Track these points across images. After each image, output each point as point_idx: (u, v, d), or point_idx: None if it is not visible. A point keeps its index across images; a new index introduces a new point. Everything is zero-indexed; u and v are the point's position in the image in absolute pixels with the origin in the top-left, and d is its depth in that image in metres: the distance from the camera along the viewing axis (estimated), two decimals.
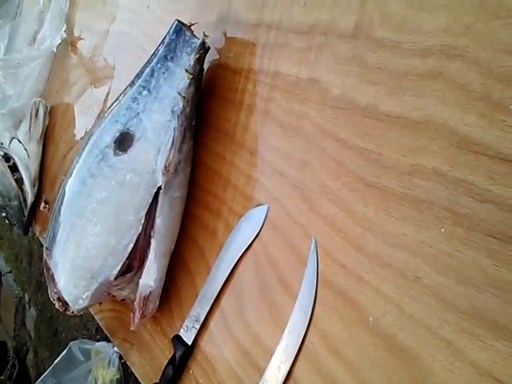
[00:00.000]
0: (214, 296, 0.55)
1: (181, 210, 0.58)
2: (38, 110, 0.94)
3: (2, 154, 0.96)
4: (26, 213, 0.98)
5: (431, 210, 0.36)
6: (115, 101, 0.57)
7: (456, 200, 0.35)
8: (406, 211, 0.38)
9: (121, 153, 0.54)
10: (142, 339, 0.67)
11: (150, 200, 0.54)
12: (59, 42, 0.89)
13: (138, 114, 0.54)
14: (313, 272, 0.44)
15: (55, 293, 0.63)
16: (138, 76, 0.56)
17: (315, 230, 0.44)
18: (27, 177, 0.95)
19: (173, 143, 0.53)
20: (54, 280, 0.62)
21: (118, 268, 0.56)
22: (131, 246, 0.55)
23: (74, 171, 0.58)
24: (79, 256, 0.57)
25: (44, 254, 0.63)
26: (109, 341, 1.91)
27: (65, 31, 0.88)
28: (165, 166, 0.53)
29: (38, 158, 0.95)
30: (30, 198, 0.96)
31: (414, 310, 0.37)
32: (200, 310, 0.56)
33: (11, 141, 0.94)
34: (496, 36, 0.33)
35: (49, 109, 0.96)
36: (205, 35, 0.52)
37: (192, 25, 0.55)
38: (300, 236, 0.46)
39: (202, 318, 0.56)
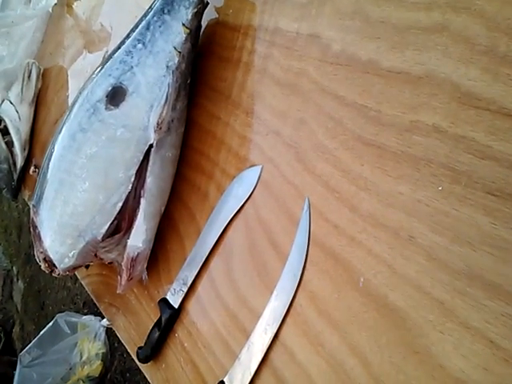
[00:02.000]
0: (203, 259, 0.54)
1: (172, 171, 0.56)
2: (30, 72, 0.92)
3: None
4: (16, 176, 0.96)
5: (429, 167, 0.35)
6: (109, 54, 0.56)
7: (455, 157, 0.34)
8: (403, 169, 0.37)
9: (112, 107, 0.52)
10: (129, 303, 0.66)
11: (141, 158, 0.53)
12: (55, 2, 0.87)
13: (132, 67, 0.52)
14: (304, 233, 0.43)
15: (41, 252, 0.62)
16: (133, 29, 0.54)
17: (309, 190, 0.43)
18: (17, 139, 0.93)
19: (166, 99, 0.51)
20: (40, 238, 0.60)
21: (106, 227, 0.55)
22: (120, 204, 0.54)
23: (64, 126, 0.56)
24: (66, 213, 0.55)
25: (31, 212, 0.62)
26: (96, 315, 1.91)
27: None
28: (157, 123, 0.52)
29: (29, 121, 0.93)
30: (19, 162, 0.94)
31: (406, 270, 0.36)
32: (188, 273, 0.55)
33: (2, 102, 0.92)
34: None
35: (42, 71, 0.94)
36: None
37: None
38: (293, 197, 0.45)
39: (190, 281, 0.55)
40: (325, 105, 0.43)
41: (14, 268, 2.85)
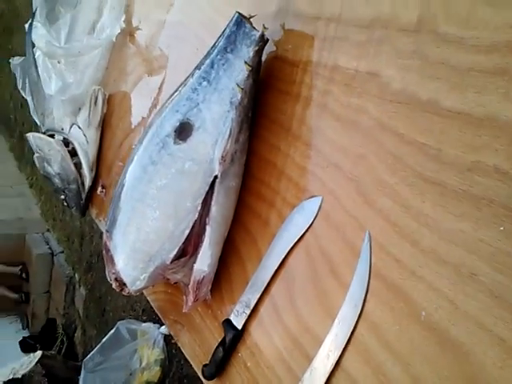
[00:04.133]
0: (265, 283, 0.56)
1: (235, 199, 0.59)
2: (96, 98, 0.98)
3: (62, 138, 1.00)
4: (84, 196, 1.01)
5: (490, 207, 0.36)
6: (175, 91, 0.59)
7: None
8: (464, 208, 0.38)
9: (180, 142, 0.56)
10: (193, 321, 0.69)
11: (207, 188, 0.56)
12: (118, 31, 0.92)
13: (198, 104, 0.56)
14: (365, 265, 0.45)
15: (113, 273, 0.66)
16: (198, 67, 0.58)
17: (369, 223, 0.45)
18: (85, 162, 0.99)
19: (230, 133, 0.54)
20: (113, 261, 0.65)
21: (175, 252, 0.59)
22: (187, 231, 0.57)
23: (135, 158, 0.60)
24: (139, 239, 0.60)
25: (104, 237, 0.66)
26: (155, 322, 1.98)
27: (124, 21, 0.91)
28: (222, 156, 0.55)
29: (96, 144, 0.99)
30: (87, 182, 1.00)
31: (468, 307, 0.37)
32: (251, 296, 0.58)
33: (71, 127, 0.98)
34: None
35: (107, 97, 0.99)
36: (264, 28, 0.53)
37: (251, 17, 0.56)
38: (354, 229, 0.46)
39: (253, 304, 0.58)
40: (385, 141, 0.44)
41: (76, 275, 2.99)
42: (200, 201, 0.56)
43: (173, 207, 0.57)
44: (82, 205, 1.03)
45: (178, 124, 0.56)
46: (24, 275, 3.66)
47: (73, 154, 1.01)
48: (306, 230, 0.52)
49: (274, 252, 0.56)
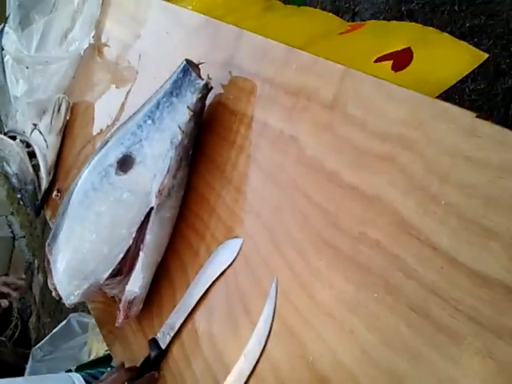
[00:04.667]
0: (189, 309, 0.61)
1: (170, 228, 0.64)
2: (60, 105, 1.01)
3: (23, 141, 1.03)
4: (40, 197, 1.05)
5: (370, 275, 0.41)
6: (123, 123, 0.63)
7: (389, 272, 0.40)
8: (351, 271, 0.43)
9: (121, 173, 0.60)
10: (125, 335, 0.74)
11: (142, 218, 0.60)
12: (87, 45, 0.95)
13: (141, 140, 0.60)
14: (271, 307, 0.50)
15: (52, 284, 0.70)
16: (145, 104, 0.62)
17: (278, 270, 0.50)
18: (44, 165, 1.02)
19: (168, 170, 0.59)
20: (51, 273, 0.69)
21: (108, 273, 0.63)
22: (121, 255, 0.62)
23: (79, 182, 0.64)
24: (75, 258, 0.64)
25: (46, 249, 0.70)
26: None
27: (93, 37, 0.94)
28: (159, 190, 0.59)
29: (55, 149, 1.02)
30: (44, 185, 1.04)
31: (345, 358, 0.42)
32: (176, 319, 0.62)
33: (33, 131, 1.01)
34: (441, 137, 0.38)
35: (71, 105, 1.03)
36: (209, 78, 0.58)
37: (200, 63, 0.61)
38: (265, 273, 0.51)
39: (177, 327, 0.62)
40: (297, 199, 0.49)
41: (35, 261, 2.98)
42: (135, 229, 0.61)
43: (109, 233, 0.61)
44: (37, 205, 1.07)
45: (120, 156, 0.60)
46: None
47: (31, 155, 1.04)
48: (228, 267, 0.57)
49: (200, 282, 0.60)
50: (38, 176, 1.04)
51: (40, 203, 1.06)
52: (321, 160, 0.47)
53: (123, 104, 0.91)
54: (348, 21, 1.26)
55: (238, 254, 0.56)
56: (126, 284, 0.65)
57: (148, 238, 0.62)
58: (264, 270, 0.52)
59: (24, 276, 3.08)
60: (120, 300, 0.68)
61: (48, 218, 1.08)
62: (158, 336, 0.64)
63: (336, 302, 0.44)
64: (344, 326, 0.43)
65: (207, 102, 0.62)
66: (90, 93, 1.02)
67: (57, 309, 2.67)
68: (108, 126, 0.94)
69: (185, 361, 0.61)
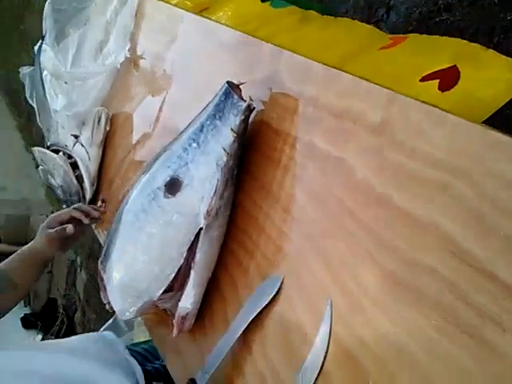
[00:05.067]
0: (228, 349, 0.61)
1: (218, 246, 0.65)
2: (100, 118, 1.03)
3: (66, 154, 1.06)
4: None
5: (426, 301, 0.42)
6: (169, 144, 0.65)
7: (446, 299, 0.40)
8: (406, 297, 0.44)
9: (170, 196, 0.62)
10: (178, 345, 0.76)
11: (192, 238, 0.62)
12: (123, 59, 0.97)
13: (187, 163, 0.61)
14: (326, 329, 0.51)
15: (106, 299, 0.73)
16: (189, 126, 0.63)
17: (332, 292, 0.51)
18: (87, 176, 1.05)
19: (215, 192, 0.60)
20: (105, 290, 0.71)
21: (161, 291, 0.65)
22: (173, 275, 0.64)
23: (129, 202, 0.66)
24: (128, 276, 0.66)
25: (99, 266, 0.73)
26: None
27: (128, 50, 0.96)
28: (207, 211, 0.61)
29: (97, 161, 1.05)
30: (88, 195, 1.07)
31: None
32: (214, 360, 0.62)
33: (75, 144, 1.04)
34: (494, 166, 0.38)
35: (110, 116, 1.05)
36: (251, 99, 0.59)
37: (241, 84, 0.61)
38: (318, 294, 0.52)
39: (214, 369, 0.62)
40: (346, 221, 0.50)
41: (78, 259, 3.07)
42: (185, 249, 0.62)
43: (160, 254, 0.63)
44: None
45: (168, 179, 0.62)
46: None
47: (74, 166, 1.07)
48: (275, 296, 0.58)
49: (240, 319, 0.61)
50: (81, 187, 1.07)
51: None
52: (371, 183, 0.48)
53: (159, 112, 0.93)
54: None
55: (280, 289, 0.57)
56: (178, 299, 0.67)
57: (198, 256, 0.63)
58: (317, 291, 0.53)
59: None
60: (172, 314, 0.70)
61: (93, 227, 1.11)
62: (197, 376, 0.65)
63: (392, 326, 0.45)
64: (402, 350, 0.44)
65: (250, 121, 0.62)
66: (127, 104, 1.05)
67: (102, 307, 2.74)
68: (146, 135, 0.96)
69: None
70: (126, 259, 0.66)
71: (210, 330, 0.69)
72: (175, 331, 0.68)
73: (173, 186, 0.62)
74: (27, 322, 3.23)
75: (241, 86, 0.61)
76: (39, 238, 0.89)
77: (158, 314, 0.83)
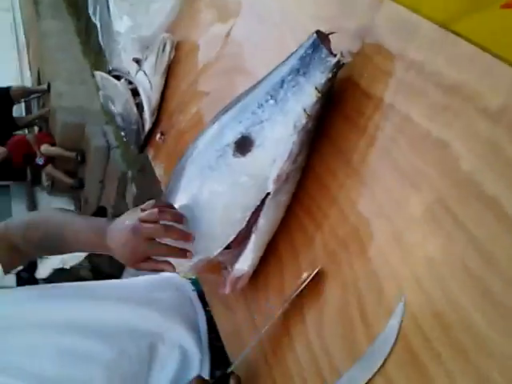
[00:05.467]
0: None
1: (283, 212, 0.61)
2: (165, 45, 0.97)
3: (128, 81, 1.01)
4: (143, 136, 1.04)
5: None
6: (241, 95, 0.59)
7: None
8: (498, 317, 0.38)
9: (239, 155, 0.57)
10: (228, 299, 0.74)
11: (258, 203, 0.58)
12: None
13: (262, 121, 0.56)
14: (395, 327, 0.47)
15: None
16: (267, 78, 0.57)
17: (408, 288, 0.46)
18: (148, 107, 1.00)
19: (289, 156, 0.55)
20: None
21: (218, 251, 0.62)
22: (232, 237, 0.60)
23: (195, 153, 0.62)
24: None
25: None
26: None
27: None
28: (277, 176, 0.56)
29: (159, 91, 1.00)
30: (147, 125, 1.02)
31: None
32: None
33: (137, 72, 0.99)
34: None
35: (175, 43, 0.99)
36: (342, 55, 0.52)
37: (331, 33, 0.54)
38: (392, 287, 0.48)
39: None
40: (441, 216, 0.44)
41: (129, 172, 3.12)
42: (249, 213, 0.58)
43: (222, 214, 0.60)
44: (140, 144, 1.07)
45: (239, 136, 0.57)
46: (79, 158, 3.83)
47: (135, 93, 1.03)
48: None
49: None
50: (141, 116, 1.03)
51: (143, 142, 1.06)
52: (479, 180, 0.41)
53: (226, 44, 0.86)
54: None
55: None
56: (235, 256, 0.64)
57: (261, 221, 0.59)
58: (391, 283, 0.48)
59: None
60: (226, 268, 0.67)
61: (151, 157, 1.08)
62: None
63: (473, 344, 0.40)
64: (480, 371, 0.39)
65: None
66: (194, 31, 0.98)
67: None
68: (212, 67, 0.89)
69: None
70: (186, 214, 0.63)
71: (263, 293, 0.67)
72: (228, 289, 0.66)
73: (243, 145, 0.57)
74: None
75: (330, 36, 0.54)
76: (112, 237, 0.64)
77: (211, 263, 0.81)
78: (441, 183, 0.44)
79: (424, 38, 0.47)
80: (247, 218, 0.59)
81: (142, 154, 1.14)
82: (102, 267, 2.17)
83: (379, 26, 0.52)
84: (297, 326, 0.59)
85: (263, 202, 0.58)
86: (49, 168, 3.97)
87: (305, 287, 0.57)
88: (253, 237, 0.60)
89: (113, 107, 1.05)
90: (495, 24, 0.44)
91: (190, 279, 0.91)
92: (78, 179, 3.96)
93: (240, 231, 0.60)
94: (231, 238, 0.61)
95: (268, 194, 0.57)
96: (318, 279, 0.56)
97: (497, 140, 0.40)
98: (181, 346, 0.74)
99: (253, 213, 0.59)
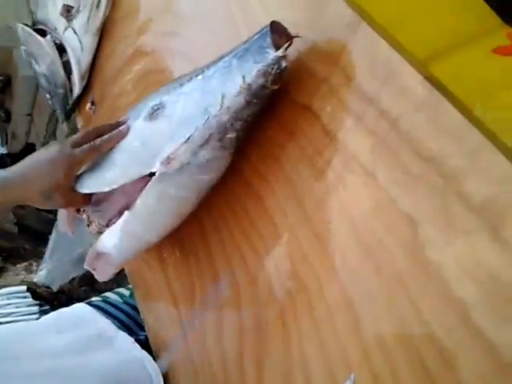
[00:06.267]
0: None
1: (176, 210, 0.34)
2: (100, 0, 0.60)
3: (54, 39, 0.62)
4: (71, 101, 0.64)
5: None
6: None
7: None
8: None
9: (147, 121, 0.30)
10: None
11: (136, 176, 0.32)
12: None
13: (181, 94, 0.30)
14: None
15: None
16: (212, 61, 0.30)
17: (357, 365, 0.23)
18: (77, 69, 0.61)
19: (187, 140, 0.29)
20: None
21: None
22: (105, 189, 0.33)
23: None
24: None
25: None
26: None
27: None
28: (167, 157, 0.30)
29: (91, 52, 0.62)
30: (76, 90, 0.63)
31: None
32: None
33: (66, 29, 0.61)
34: None
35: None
36: (284, 54, 0.27)
37: (294, 37, 0.29)
38: (340, 364, 0.24)
39: None
40: (399, 299, 0.22)
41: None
42: (123, 180, 0.32)
43: (115, 165, 0.33)
44: (67, 110, 0.65)
45: (158, 102, 0.30)
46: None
47: (62, 50, 0.64)
48: None
49: None
50: (69, 79, 0.62)
51: (71, 107, 0.65)
52: (446, 277, 0.20)
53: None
54: None
55: None
56: (102, 218, 0.36)
57: (138, 203, 0.32)
58: (340, 358, 0.25)
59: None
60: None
61: (79, 126, 0.67)
62: None
63: None
64: None
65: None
66: None
67: None
68: (155, 28, 0.51)
69: None
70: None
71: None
72: (86, 262, 0.38)
73: (155, 112, 0.30)
74: (2, 163, 2.39)
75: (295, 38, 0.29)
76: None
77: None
78: (404, 264, 0.22)
79: (403, 86, 0.24)
80: (120, 183, 0.32)
81: (68, 120, 0.74)
82: (28, 220, 1.43)
83: (352, 53, 0.28)
84: None
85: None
86: None
87: None
88: (125, 214, 0.33)
89: (36, 67, 0.64)
90: (482, 71, 0.23)
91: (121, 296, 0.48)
92: (2, 110, 2.66)
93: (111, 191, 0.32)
94: (104, 189, 0.33)
95: (153, 174, 0.31)
96: None
97: (475, 238, 0.19)
98: None
99: (132, 184, 0.31)
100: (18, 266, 1.53)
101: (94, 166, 0.34)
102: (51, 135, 2.39)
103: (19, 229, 1.50)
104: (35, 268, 1.48)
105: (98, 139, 0.32)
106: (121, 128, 0.32)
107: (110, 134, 0.32)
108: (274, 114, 0.31)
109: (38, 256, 1.50)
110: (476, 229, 0.19)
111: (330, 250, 0.26)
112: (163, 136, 0.30)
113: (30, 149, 2.42)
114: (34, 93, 2.49)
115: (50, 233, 1.23)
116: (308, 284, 0.27)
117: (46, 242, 1.30)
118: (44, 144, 2.33)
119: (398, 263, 0.22)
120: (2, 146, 2.49)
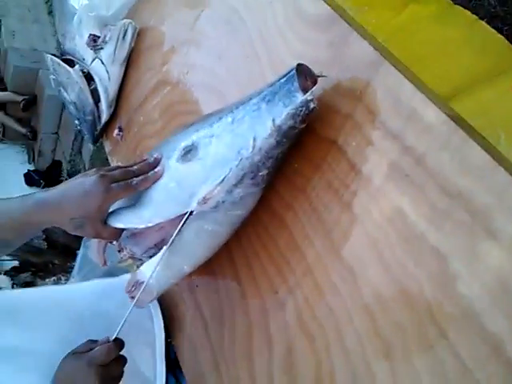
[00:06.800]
0: None
1: (211, 244, 0.36)
2: (126, 32, 0.62)
3: (82, 69, 0.64)
4: (99, 127, 0.67)
5: None
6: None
7: None
8: None
9: (181, 161, 0.32)
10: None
11: (173, 216, 0.33)
12: None
13: (212, 136, 0.31)
14: None
15: None
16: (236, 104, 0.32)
17: None
18: (105, 98, 0.64)
19: (222, 181, 0.31)
20: None
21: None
22: (150, 224, 0.34)
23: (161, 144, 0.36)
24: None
25: None
26: None
27: None
28: (204, 197, 0.31)
29: (118, 81, 0.65)
30: (104, 117, 0.66)
31: None
32: None
33: (94, 60, 0.65)
34: None
35: (137, 31, 0.64)
36: (311, 96, 0.28)
37: (319, 76, 0.30)
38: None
39: None
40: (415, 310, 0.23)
41: None
42: (161, 219, 0.33)
43: (152, 201, 0.34)
44: (95, 135, 0.69)
45: (190, 143, 0.32)
46: (22, 106, 2.28)
47: (89, 77, 0.67)
48: None
49: None
50: (97, 106, 0.66)
51: (99, 133, 0.68)
52: (478, 311, 0.21)
53: (192, 29, 0.53)
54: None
55: None
56: (139, 249, 0.38)
57: (176, 238, 0.34)
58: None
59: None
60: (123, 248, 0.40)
61: (107, 151, 0.70)
62: None
63: None
64: None
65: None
66: (158, 16, 0.62)
67: None
68: (178, 57, 0.54)
69: None
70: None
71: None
72: (126, 288, 0.40)
73: (189, 153, 0.32)
74: (30, 179, 2.26)
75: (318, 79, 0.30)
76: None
77: None
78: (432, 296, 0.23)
79: (427, 125, 0.25)
80: (156, 221, 0.34)
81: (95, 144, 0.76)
82: (56, 236, 1.47)
83: (375, 91, 0.29)
84: None
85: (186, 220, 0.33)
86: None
87: None
88: (163, 249, 0.35)
89: (65, 94, 0.67)
90: (504, 108, 0.24)
91: None
92: (30, 128, 2.45)
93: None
94: (140, 226, 0.35)
95: (191, 213, 0.33)
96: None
97: (504, 270, 0.20)
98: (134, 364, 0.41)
99: (171, 225, 0.33)
100: (47, 280, 1.59)
101: (130, 203, 0.36)
102: (77, 153, 2.42)
103: (48, 244, 1.54)
104: (64, 282, 1.54)
105: (135, 179, 0.33)
106: (156, 170, 0.34)
107: (146, 176, 0.34)
108: (301, 148, 0.33)
109: (66, 271, 1.55)
110: (506, 265, 0.20)
111: (360, 281, 0.27)
112: (198, 177, 0.32)
113: (56, 166, 2.47)
114: (60, 112, 2.50)
115: (79, 248, 1.25)
116: (337, 313, 0.28)
117: (74, 257, 1.30)
118: (70, 161, 2.36)
119: (427, 296, 0.23)
120: (30, 163, 2.55)
